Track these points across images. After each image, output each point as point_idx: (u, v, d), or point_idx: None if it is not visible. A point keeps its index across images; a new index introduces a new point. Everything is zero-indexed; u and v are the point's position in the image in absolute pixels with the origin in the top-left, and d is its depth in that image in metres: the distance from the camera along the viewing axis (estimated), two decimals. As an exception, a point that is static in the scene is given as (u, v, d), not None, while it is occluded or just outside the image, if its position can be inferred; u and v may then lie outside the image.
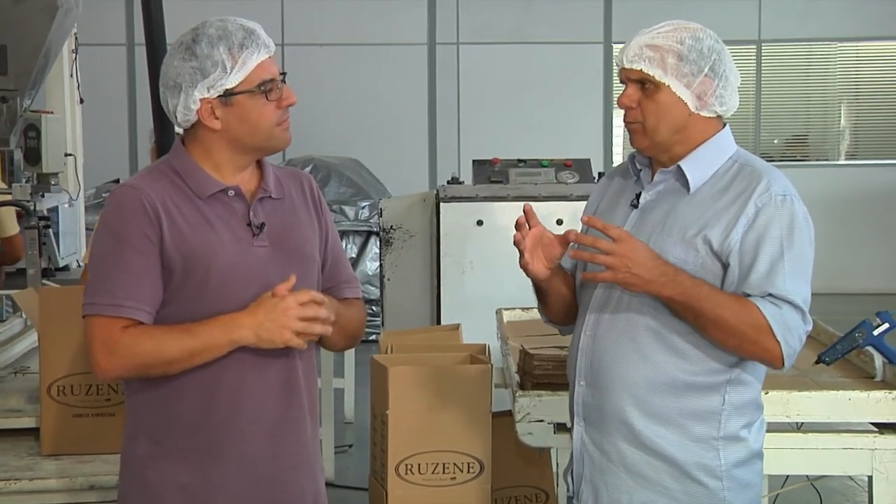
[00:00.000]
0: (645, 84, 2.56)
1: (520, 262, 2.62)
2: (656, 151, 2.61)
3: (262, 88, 2.46)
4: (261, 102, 2.47)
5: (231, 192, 2.50)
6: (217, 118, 2.46)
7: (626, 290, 2.55)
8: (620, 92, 2.62)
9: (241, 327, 2.40)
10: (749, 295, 2.48)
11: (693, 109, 2.56)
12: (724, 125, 2.65)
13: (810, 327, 2.52)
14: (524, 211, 2.60)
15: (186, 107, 2.45)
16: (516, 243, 2.60)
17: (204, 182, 2.48)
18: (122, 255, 2.43)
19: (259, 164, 2.58)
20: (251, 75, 2.45)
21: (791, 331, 2.46)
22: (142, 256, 2.41)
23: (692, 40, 2.55)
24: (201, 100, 2.44)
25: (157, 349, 2.41)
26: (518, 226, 2.60)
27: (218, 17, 2.50)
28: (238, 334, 2.41)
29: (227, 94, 2.44)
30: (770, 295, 2.46)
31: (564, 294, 2.75)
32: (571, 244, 2.57)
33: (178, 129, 2.58)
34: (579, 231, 2.73)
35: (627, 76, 2.58)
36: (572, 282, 2.79)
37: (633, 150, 2.68)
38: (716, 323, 2.46)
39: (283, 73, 2.52)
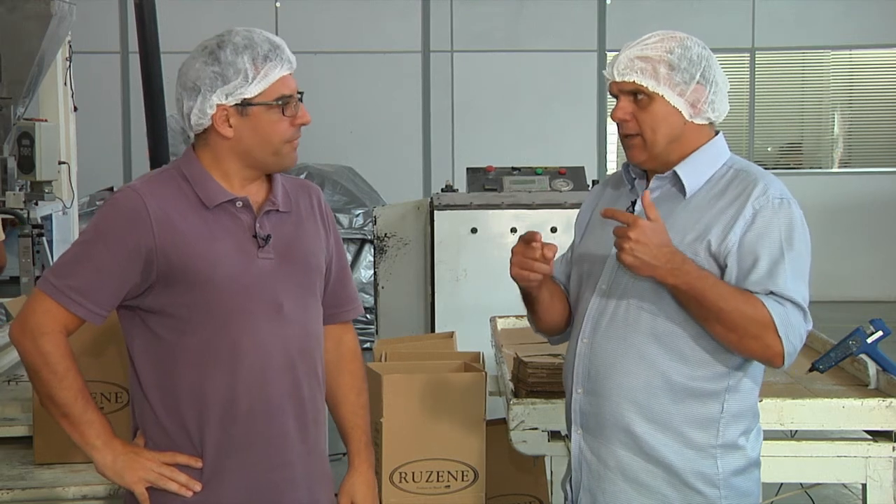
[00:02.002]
0: (638, 96, 2.56)
1: (512, 270, 2.61)
2: (654, 164, 2.61)
3: (280, 103, 2.46)
4: (276, 117, 2.46)
5: (239, 203, 2.49)
6: (230, 126, 2.45)
7: (625, 296, 2.56)
8: (613, 106, 2.62)
9: (102, 453, 2.46)
10: (752, 293, 2.48)
11: (687, 118, 2.57)
12: (718, 132, 2.65)
13: (811, 326, 2.52)
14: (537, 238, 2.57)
15: (202, 110, 2.45)
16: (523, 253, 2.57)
17: (213, 191, 2.48)
18: (95, 250, 2.43)
19: (268, 176, 2.57)
20: (271, 88, 2.45)
21: (793, 329, 2.46)
22: (113, 259, 2.41)
23: (681, 49, 2.56)
24: (218, 105, 2.44)
25: (52, 378, 2.43)
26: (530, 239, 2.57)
27: (244, 28, 2.49)
28: (95, 455, 2.46)
29: (245, 104, 2.44)
30: (772, 293, 2.46)
31: (553, 303, 2.75)
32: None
33: (189, 134, 2.58)
34: (574, 240, 2.76)
35: (620, 89, 2.58)
36: (562, 293, 2.79)
37: (630, 163, 2.69)
38: (719, 315, 2.45)
39: (301, 93, 2.52)
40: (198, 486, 2.46)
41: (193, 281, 2.42)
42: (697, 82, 2.55)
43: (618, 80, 2.57)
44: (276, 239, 2.51)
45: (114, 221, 2.44)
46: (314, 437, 2.59)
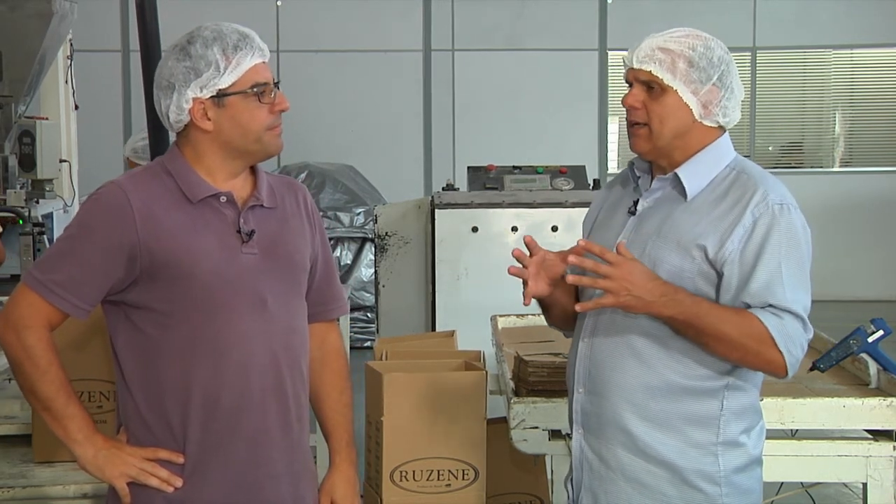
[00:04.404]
0: (652, 86, 2.56)
1: (523, 291, 2.59)
2: (656, 156, 2.61)
3: (255, 90, 2.46)
4: (253, 105, 2.46)
5: (223, 198, 2.49)
6: (209, 119, 2.46)
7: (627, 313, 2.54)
8: (625, 93, 2.60)
9: (84, 448, 2.46)
10: (749, 306, 2.48)
11: (697, 117, 2.57)
12: (724, 132, 2.65)
13: (811, 335, 2.52)
14: (526, 242, 2.59)
15: (179, 106, 2.45)
16: (517, 275, 2.59)
17: (196, 185, 2.48)
18: (78, 245, 2.44)
19: (253, 172, 2.57)
20: (244, 77, 2.45)
21: (793, 340, 2.46)
22: (97, 254, 2.41)
23: (704, 48, 2.55)
24: (194, 99, 2.44)
25: (34, 371, 2.43)
26: (518, 257, 2.59)
27: (213, 22, 2.51)
28: (77, 449, 2.47)
29: (220, 95, 2.44)
30: (770, 306, 2.46)
31: (568, 303, 2.75)
32: (569, 268, 2.56)
33: (172, 134, 2.58)
34: (581, 237, 2.75)
35: (635, 76, 2.58)
36: (574, 290, 2.79)
37: (634, 155, 2.68)
38: (718, 338, 2.45)
39: (277, 82, 2.52)
40: (179, 482, 2.46)
41: (177, 275, 2.42)
42: (713, 84, 2.55)
43: (635, 66, 2.56)
44: (261, 234, 2.51)
45: (97, 217, 2.44)
46: (297, 433, 2.58)
